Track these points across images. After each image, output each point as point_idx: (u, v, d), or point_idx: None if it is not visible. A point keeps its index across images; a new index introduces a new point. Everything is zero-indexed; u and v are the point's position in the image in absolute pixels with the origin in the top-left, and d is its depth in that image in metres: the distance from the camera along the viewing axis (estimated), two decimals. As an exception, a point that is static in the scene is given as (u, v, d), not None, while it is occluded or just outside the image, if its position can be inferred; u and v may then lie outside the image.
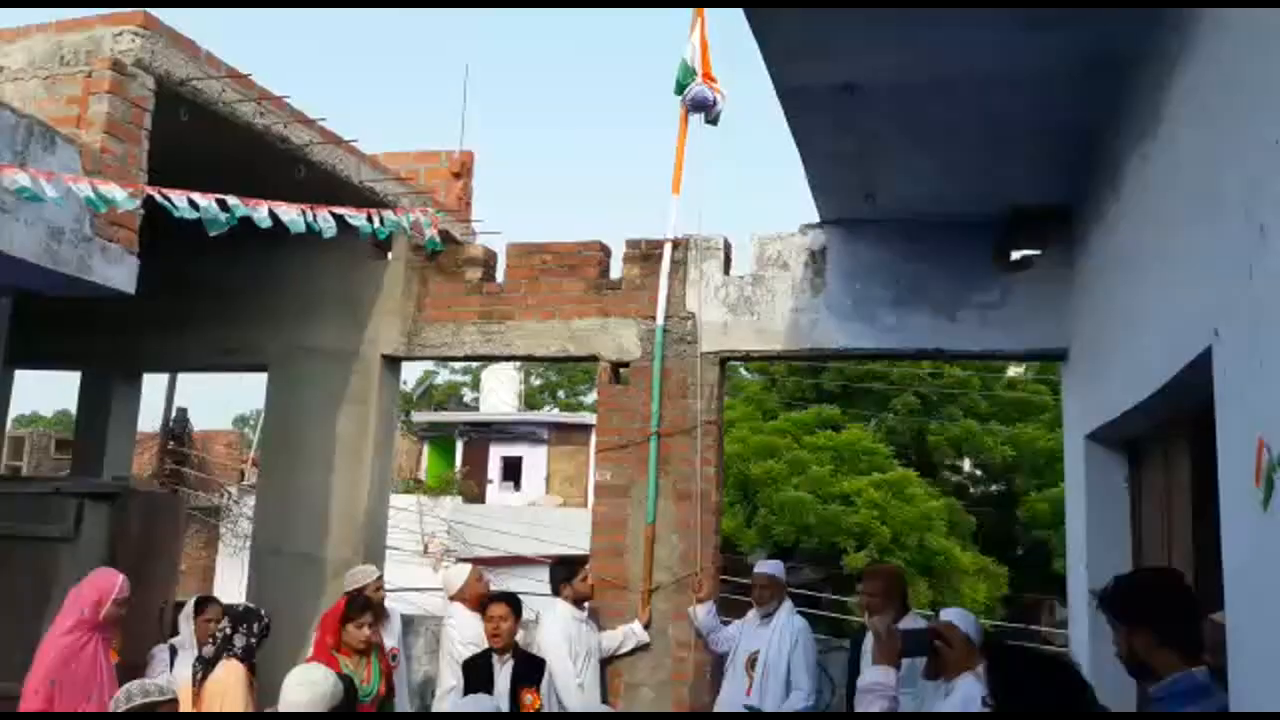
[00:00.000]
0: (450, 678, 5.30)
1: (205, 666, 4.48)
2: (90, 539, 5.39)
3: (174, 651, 5.30)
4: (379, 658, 4.96)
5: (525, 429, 25.93)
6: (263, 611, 4.74)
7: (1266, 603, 2.24)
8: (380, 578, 5.77)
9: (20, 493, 5.87)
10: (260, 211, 4.83)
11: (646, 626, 6.16)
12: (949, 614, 4.14)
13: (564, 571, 5.91)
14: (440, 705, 5.32)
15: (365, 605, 4.98)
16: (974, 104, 4.22)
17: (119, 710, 3.31)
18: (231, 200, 4.70)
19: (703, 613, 5.93)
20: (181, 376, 14.88)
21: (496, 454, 25.99)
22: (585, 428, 22.89)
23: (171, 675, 5.02)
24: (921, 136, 4.62)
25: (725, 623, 5.94)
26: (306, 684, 3.35)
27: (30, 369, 8.51)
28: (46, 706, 4.26)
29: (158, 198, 4.44)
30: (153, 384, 15.81)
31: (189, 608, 5.45)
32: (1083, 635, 4.96)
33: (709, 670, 6.09)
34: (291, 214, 4.89)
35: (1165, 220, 3.34)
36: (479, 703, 3.62)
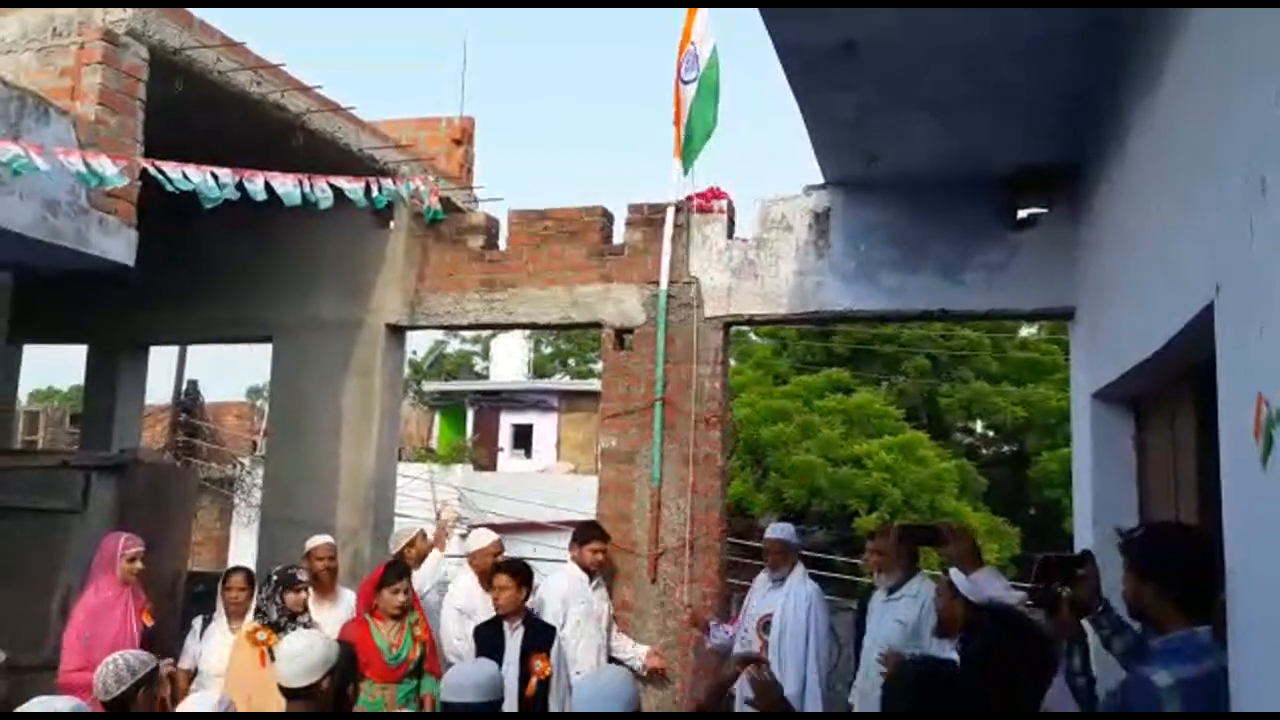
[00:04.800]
0: (453, 634, 5.36)
1: None
2: (98, 511, 5.44)
3: (207, 623, 5.38)
4: (415, 623, 5.03)
5: (535, 397, 25.98)
6: (274, 572, 4.94)
7: (1265, 558, 2.21)
8: (421, 533, 5.86)
9: (29, 466, 5.93)
10: (256, 183, 4.82)
11: (653, 582, 6.20)
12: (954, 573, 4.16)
13: (580, 535, 5.92)
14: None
15: (402, 572, 5.06)
16: (975, 63, 4.14)
17: (112, 696, 3.32)
18: (226, 173, 4.68)
19: (715, 637, 5.76)
20: (193, 349, 14.92)
21: (507, 422, 26.07)
22: (595, 395, 22.78)
23: (200, 645, 5.17)
24: (923, 96, 4.55)
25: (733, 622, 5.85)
26: (288, 657, 3.37)
27: (37, 344, 8.55)
28: (83, 662, 4.54)
29: (151, 171, 4.42)
30: (165, 357, 15.89)
31: (221, 579, 5.54)
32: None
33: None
34: (287, 185, 4.87)
35: (1170, 176, 3.29)
36: (481, 667, 3.61)
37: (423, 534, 5.94)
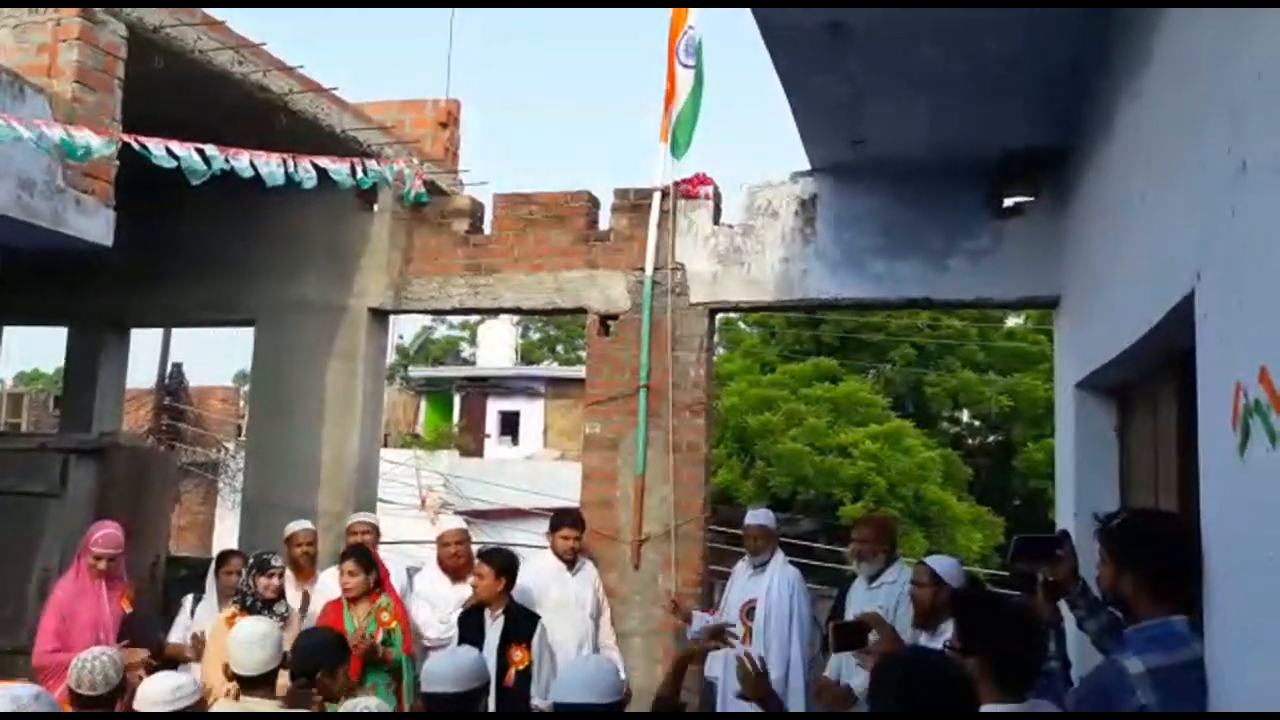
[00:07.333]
0: (418, 619, 5.37)
1: None
2: (76, 494, 5.40)
3: (197, 602, 5.34)
4: (384, 608, 5.02)
5: (522, 383, 25.94)
6: (252, 555, 4.94)
7: (1241, 547, 2.21)
8: (361, 524, 5.78)
9: (7, 449, 5.87)
10: (241, 161, 4.77)
11: (637, 569, 6.18)
12: (931, 562, 4.20)
13: (552, 522, 5.88)
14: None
15: (346, 554, 5.13)
16: (964, 41, 4.12)
17: (108, 689, 3.29)
18: (210, 150, 4.63)
19: (696, 625, 5.63)
20: (180, 332, 14.81)
21: (494, 408, 26.03)
22: (582, 381, 22.68)
23: (189, 624, 5.14)
24: (910, 78, 4.52)
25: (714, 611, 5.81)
26: (245, 644, 3.34)
27: (16, 325, 8.48)
28: (58, 644, 4.58)
29: (135, 146, 4.36)
30: (149, 340, 15.76)
31: (214, 562, 5.48)
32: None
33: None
34: (271, 165, 4.82)
35: (1154, 161, 3.27)
36: (458, 657, 3.57)
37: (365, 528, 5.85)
